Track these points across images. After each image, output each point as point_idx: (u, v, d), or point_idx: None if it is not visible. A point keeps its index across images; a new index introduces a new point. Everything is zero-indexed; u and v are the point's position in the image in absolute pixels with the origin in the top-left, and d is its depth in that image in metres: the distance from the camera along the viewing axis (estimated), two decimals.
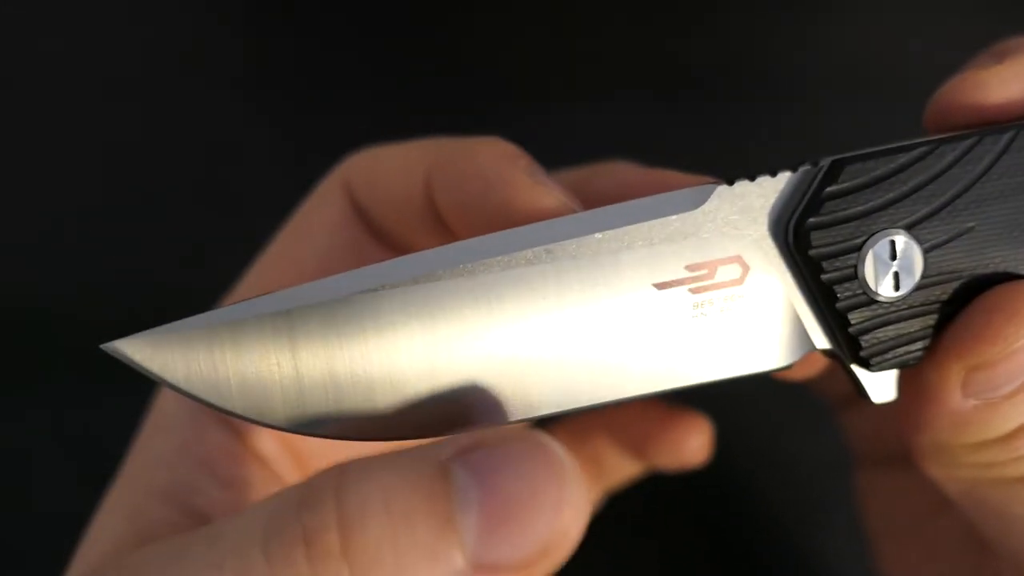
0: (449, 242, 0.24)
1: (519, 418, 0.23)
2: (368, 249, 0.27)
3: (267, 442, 0.26)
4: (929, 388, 0.23)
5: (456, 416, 0.22)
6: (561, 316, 0.22)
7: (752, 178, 0.23)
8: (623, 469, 0.32)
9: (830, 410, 0.32)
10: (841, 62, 0.47)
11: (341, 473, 0.20)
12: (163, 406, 0.27)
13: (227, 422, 0.26)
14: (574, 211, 0.22)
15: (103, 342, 0.21)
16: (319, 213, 0.27)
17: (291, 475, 0.26)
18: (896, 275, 0.23)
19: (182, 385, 0.21)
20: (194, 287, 0.28)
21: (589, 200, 0.24)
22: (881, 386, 0.24)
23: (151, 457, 0.26)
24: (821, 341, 0.23)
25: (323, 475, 0.20)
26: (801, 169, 0.23)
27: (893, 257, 0.22)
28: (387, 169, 0.26)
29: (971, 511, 0.25)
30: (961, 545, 0.28)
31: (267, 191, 0.27)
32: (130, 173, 0.45)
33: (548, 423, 0.33)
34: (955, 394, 0.22)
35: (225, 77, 0.48)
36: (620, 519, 0.37)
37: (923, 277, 0.23)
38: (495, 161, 0.24)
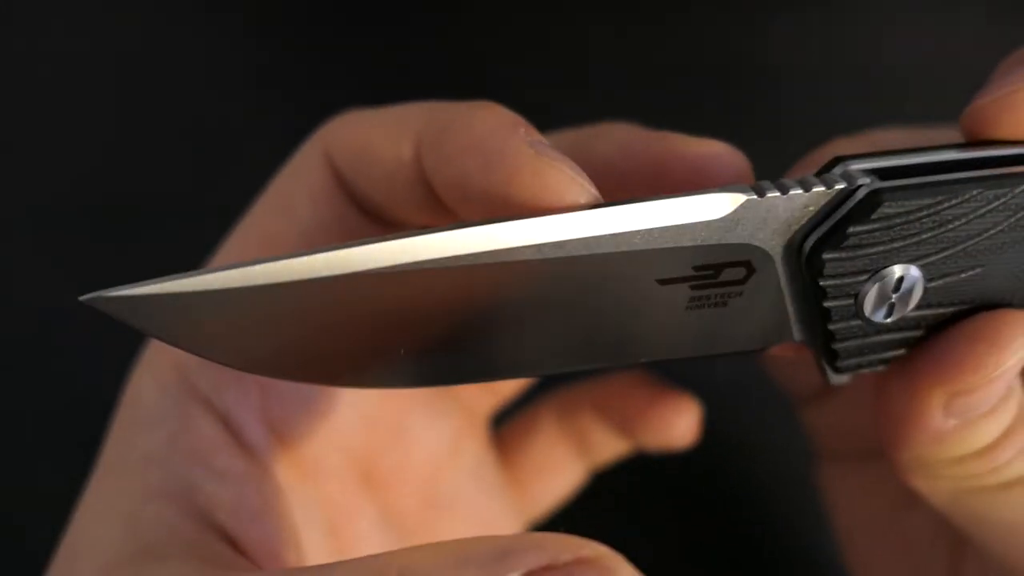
0: (444, 219, 0.24)
1: (510, 376, 0.25)
2: (354, 224, 0.25)
3: (255, 432, 0.25)
4: (910, 409, 0.23)
5: (465, 371, 0.23)
6: (559, 297, 0.21)
7: (784, 190, 0.21)
8: (609, 447, 0.32)
9: (792, 405, 0.32)
10: (843, 61, 0.46)
11: None
12: (139, 399, 0.25)
13: (214, 412, 0.25)
14: (581, 185, 0.21)
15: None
16: (299, 184, 0.25)
17: (280, 467, 0.25)
18: (892, 305, 0.22)
19: (204, 351, 0.21)
20: None
21: (591, 164, 0.23)
22: (841, 376, 0.24)
23: (137, 455, 0.24)
24: (799, 336, 0.23)
25: None
26: (836, 188, 0.21)
27: (896, 290, 0.22)
28: (372, 138, 0.24)
29: (956, 519, 0.25)
30: (931, 541, 0.28)
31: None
32: (127, 172, 0.45)
33: (540, 393, 0.33)
34: (936, 415, 0.22)
35: (226, 75, 0.47)
36: (618, 511, 0.37)
37: (916, 307, 0.23)
38: (493, 131, 0.21)
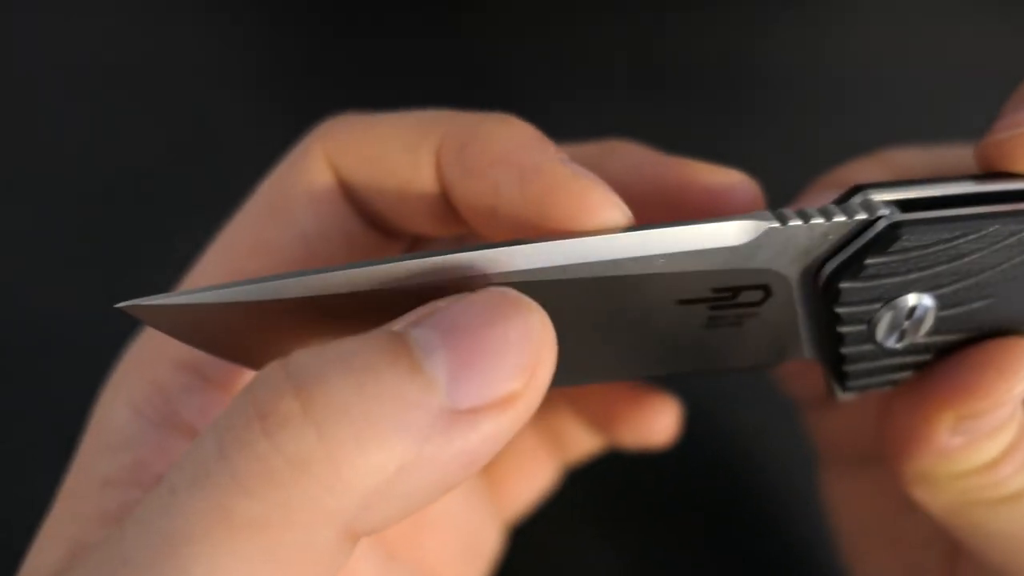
0: (454, 231, 0.24)
1: None
2: (356, 232, 0.24)
3: None
4: (918, 427, 0.23)
5: None
6: (579, 313, 0.21)
7: (805, 219, 0.21)
8: (583, 444, 0.32)
9: (798, 409, 0.32)
10: (844, 62, 0.46)
11: (287, 356, 0.18)
12: (108, 422, 0.23)
13: (194, 433, 0.23)
14: (617, 205, 0.21)
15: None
16: (299, 190, 0.24)
17: None
18: (904, 331, 0.23)
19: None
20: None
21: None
22: (848, 394, 0.24)
23: (97, 479, 0.22)
24: (810, 354, 0.24)
25: (268, 366, 0.18)
26: (856, 218, 0.21)
27: (909, 317, 0.22)
28: (383, 146, 0.23)
29: (956, 529, 0.25)
30: (929, 543, 0.29)
31: None
32: (123, 172, 0.44)
33: None
34: (943, 434, 0.23)
35: (225, 74, 0.46)
36: (618, 510, 0.37)
37: (928, 333, 0.23)
38: (524, 145, 0.21)
